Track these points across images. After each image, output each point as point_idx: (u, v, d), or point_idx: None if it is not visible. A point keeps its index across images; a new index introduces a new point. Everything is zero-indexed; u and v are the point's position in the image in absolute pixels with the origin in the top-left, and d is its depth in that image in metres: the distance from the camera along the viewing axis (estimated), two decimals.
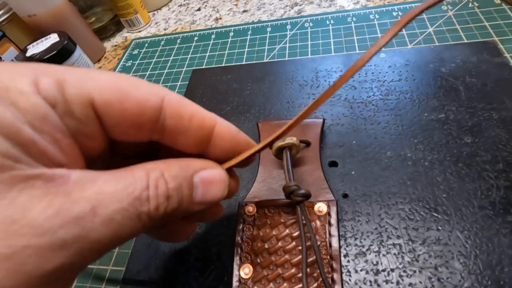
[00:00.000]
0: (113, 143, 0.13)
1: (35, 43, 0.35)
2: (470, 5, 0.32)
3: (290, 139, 0.21)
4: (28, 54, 0.34)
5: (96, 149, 0.12)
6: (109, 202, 0.10)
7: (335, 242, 0.18)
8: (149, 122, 0.12)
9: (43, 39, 0.35)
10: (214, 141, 0.14)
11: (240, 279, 0.18)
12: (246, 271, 0.18)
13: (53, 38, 0.35)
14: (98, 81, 0.11)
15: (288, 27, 0.37)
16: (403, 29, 0.32)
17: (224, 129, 0.14)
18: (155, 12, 0.48)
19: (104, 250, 0.10)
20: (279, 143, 0.21)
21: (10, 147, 0.09)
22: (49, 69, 0.11)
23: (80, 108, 0.11)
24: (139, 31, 0.45)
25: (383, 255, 0.18)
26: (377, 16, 0.34)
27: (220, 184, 0.13)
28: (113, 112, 0.11)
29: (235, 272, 0.18)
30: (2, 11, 0.37)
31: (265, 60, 0.33)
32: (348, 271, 0.18)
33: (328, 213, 0.19)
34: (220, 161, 0.14)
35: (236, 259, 0.19)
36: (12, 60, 0.35)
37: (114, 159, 0.14)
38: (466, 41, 0.29)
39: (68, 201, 0.09)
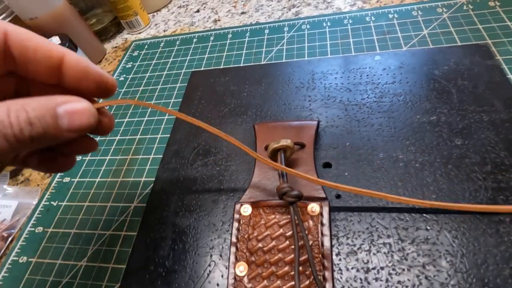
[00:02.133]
0: None
1: None
2: (464, 7, 0.32)
3: (285, 142, 0.21)
4: None
5: None
6: None
7: (327, 241, 0.19)
8: None
9: None
10: (65, 71, 0.16)
11: (235, 277, 0.19)
12: (241, 269, 0.19)
13: (55, 40, 0.35)
14: None
15: (286, 29, 0.37)
16: (398, 32, 0.32)
17: (73, 60, 0.16)
18: (155, 13, 0.49)
19: None
20: (274, 145, 0.22)
21: None
22: None
23: None
24: (139, 33, 0.46)
25: (374, 253, 0.19)
26: (373, 18, 0.35)
27: (85, 113, 0.15)
28: None
29: (231, 270, 0.19)
30: (4, 14, 0.37)
31: (262, 62, 0.34)
32: (340, 269, 0.19)
33: (321, 213, 0.20)
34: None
35: (232, 258, 0.19)
36: None
37: None
38: (459, 43, 0.29)
39: None
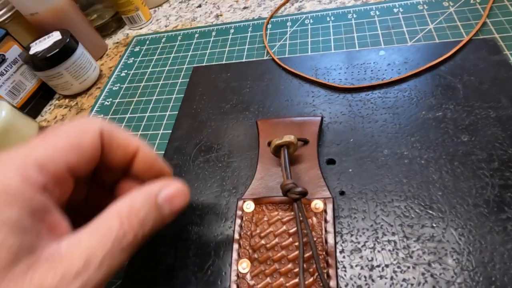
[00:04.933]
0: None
1: (38, 41, 0.35)
2: (471, 1, 0.32)
3: (288, 138, 0.21)
4: (31, 52, 0.34)
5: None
6: (97, 252, 0.12)
7: (330, 239, 0.19)
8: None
9: (46, 37, 0.35)
10: (136, 162, 0.17)
11: (238, 274, 0.19)
12: (244, 266, 0.19)
13: (56, 36, 0.35)
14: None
15: (289, 24, 0.37)
16: (404, 27, 0.32)
17: (145, 153, 0.17)
18: (156, 8, 0.48)
19: (104, 283, 0.12)
20: (277, 141, 0.21)
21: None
22: (30, 158, 0.13)
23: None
24: (141, 28, 0.45)
25: (378, 251, 0.19)
26: (377, 13, 0.34)
27: (181, 195, 0.16)
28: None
29: (234, 267, 0.19)
30: (5, 9, 0.37)
31: (264, 58, 0.34)
32: (344, 267, 0.19)
33: (325, 210, 0.20)
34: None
35: (234, 255, 0.19)
36: (16, 57, 0.35)
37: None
38: (466, 38, 0.29)
39: (68, 265, 0.12)
